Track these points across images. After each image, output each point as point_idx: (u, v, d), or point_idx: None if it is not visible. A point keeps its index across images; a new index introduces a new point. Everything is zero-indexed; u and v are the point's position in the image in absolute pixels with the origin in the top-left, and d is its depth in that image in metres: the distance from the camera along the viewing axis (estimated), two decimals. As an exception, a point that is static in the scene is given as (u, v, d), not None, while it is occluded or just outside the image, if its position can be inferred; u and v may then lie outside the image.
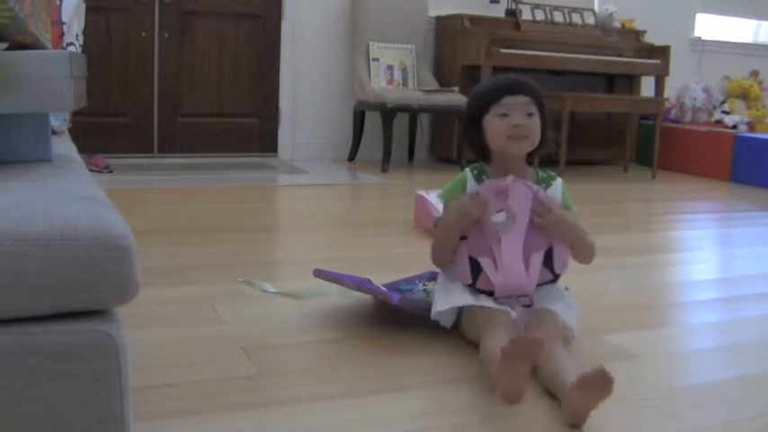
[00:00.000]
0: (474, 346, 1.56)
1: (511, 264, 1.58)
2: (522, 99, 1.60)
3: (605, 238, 2.88)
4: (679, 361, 1.66)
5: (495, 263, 1.60)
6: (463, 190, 1.66)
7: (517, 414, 1.30)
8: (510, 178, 1.60)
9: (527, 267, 1.59)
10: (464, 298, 1.61)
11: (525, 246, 1.59)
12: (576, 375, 1.23)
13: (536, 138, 1.62)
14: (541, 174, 1.68)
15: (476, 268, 1.62)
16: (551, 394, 1.36)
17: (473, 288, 1.63)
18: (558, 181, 1.68)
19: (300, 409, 1.30)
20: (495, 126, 1.61)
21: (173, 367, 1.45)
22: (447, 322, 1.65)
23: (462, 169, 4.76)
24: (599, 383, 1.21)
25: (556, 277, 1.64)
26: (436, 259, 1.71)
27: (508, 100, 1.60)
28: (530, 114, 1.60)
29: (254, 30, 4.79)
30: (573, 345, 1.59)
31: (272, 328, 1.71)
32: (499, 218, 1.59)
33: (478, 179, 1.65)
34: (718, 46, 6.12)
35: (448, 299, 1.63)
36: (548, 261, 1.62)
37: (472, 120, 1.65)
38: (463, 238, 1.62)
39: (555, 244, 1.61)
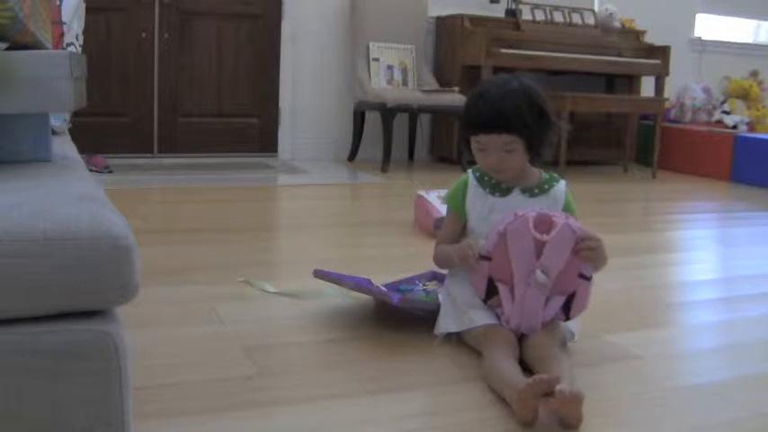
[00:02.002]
0: (473, 349, 1.57)
1: (530, 311, 1.50)
2: (497, 139, 1.55)
3: (605, 238, 2.88)
4: (679, 361, 1.66)
5: (512, 292, 1.52)
6: (465, 193, 1.65)
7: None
8: (555, 229, 1.48)
9: (544, 306, 1.51)
10: (470, 317, 1.58)
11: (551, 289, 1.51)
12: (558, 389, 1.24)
13: (515, 168, 1.60)
14: (545, 176, 1.67)
15: (491, 287, 1.56)
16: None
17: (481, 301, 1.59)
18: (562, 183, 1.67)
19: (300, 409, 1.30)
20: (475, 154, 1.62)
21: (173, 367, 1.45)
22: (447, 339, 1.64)
23: (464, 170, 4.76)
24: (571, 401, 1.23)
25: (567, 319, 1.56)
26: (439, 267, 1.75)
27: (483, 138, 1.57)
28: (508, 151, 1.56)
29: (254, 30, 4.79)
30: (571, 344, 1.61)
31: (272, 328, 1.71)
32: (541, 278, 1.48)
33: (481, 180, 1.65)
34: (718, 46, 6.12)
35: (455, 319, 1.62)
36: (565, 303, 1.53)
37: (462, 130, 1.65)
38: (487, 258, 1.54)
39: (579, 290, 1.52)
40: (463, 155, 4.64)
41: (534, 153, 1.60)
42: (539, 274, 1.48)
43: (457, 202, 1.67)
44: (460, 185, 1.67)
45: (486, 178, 1.64)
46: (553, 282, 1.49)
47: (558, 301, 1.52)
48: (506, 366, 1.38)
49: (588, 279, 1.52)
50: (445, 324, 1.64)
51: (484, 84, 1.66)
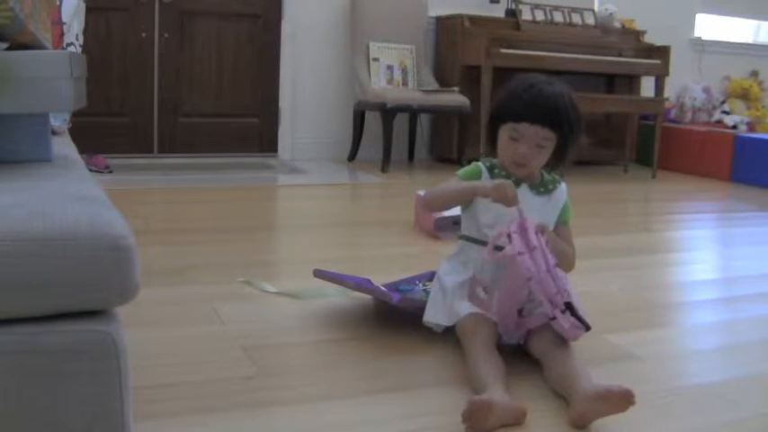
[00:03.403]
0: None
1: (502, 312, 1.52)
2: (538, 131, 1.56)
3: (605, 238, 2.88)
4: (679, 361, 1.66)
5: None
6: (478, 178, 1.64)
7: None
8: (504, 257, 1.46)
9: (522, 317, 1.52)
10: (456, 310, 1.58)
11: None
12: (601, 386, 1.27)
13: (537, 166, 1.62)
14: (547, 176, 1.67)
15: None
16: (558, 394, 1.38)
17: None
18: (563, 186, 1.68)
19: (300, 409, 1.30)
20: (502, 143, 1.61)
21: (173, 367, 1.45)
22: (437, 328, 1.65)
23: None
24: (620, 401, 1.25)
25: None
26: (431, 206, 1.72)
27: (524, 127, 1.56)
28: (540, 146, 1.57)
29: (254, 30, 4.79)
30: (572, 344, 1.60)
31: (272, 328, 1.71)
32: (480, 294, 1.51)
33: (491, 171, 1.64)
34: (718, 46, 6.12)
35: (444, 311, 1.62)
36: None
37: (493, 117, 1.64)
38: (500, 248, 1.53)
39: (552, 323, 1.49)
40: (464, 155, 4.64)
41: (558, 157, 1.61)
42: (479, 291, 1.51)
43: (471, 179, 1.65)
44: (475, 170, 1.66)
45: (496, 170, 1.65)
46: (500, 305, 1.49)
47: (541, 317, 1.50)
48: (482, 371, 1.38)
49: (551, 319, 1.47)
50: (433, 314, 1.65)
51: (528, 77, 1.63)
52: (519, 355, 1.54)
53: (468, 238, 1.66)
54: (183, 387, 1.36)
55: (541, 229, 1.49)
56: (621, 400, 1.24)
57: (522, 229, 1.46)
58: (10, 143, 1.24)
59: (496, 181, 1.56)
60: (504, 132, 1.60)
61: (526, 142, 1.57)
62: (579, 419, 1.27)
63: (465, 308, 1.56)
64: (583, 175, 4.78)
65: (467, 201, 1.64)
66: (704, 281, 2.44)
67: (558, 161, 1.63)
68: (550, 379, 1.42)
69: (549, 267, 1.44)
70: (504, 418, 1.24)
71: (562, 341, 1.48)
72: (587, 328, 1.46)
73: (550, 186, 1.66)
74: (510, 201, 1.50)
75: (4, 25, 1.09)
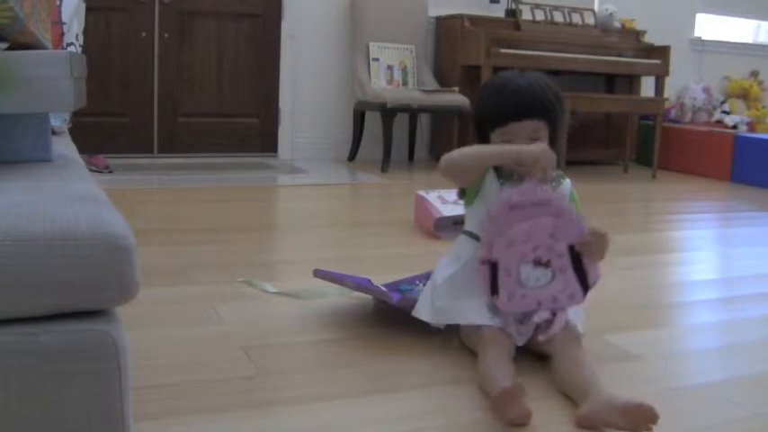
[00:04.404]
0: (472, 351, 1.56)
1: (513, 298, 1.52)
2: (528, 125, 1.55)
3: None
4: (679, 361, 1.66)
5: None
6: (485, 173, 1.62)
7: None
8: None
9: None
10: (465, 313, 1.56)
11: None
12: (632, 402, 1.22)
13: None
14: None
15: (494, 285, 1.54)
16: (561, 392, 1.38)
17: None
18: (567, 182, 1.67)
19: (300, 409, 1.30)
20: None
21: (173, 367, 1.45)
22: (440, 325, 1.63)
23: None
24: (643, 421, 1.20)
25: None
26: (450, 171, 1.64)
27: (513, 127, 1.55)
28: (535, 138, 1.56)
29: (254, 30, 4.79)
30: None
31: (272, 328, 1.71)
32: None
33: (497, 170, 1.61)
34: (718, 46, 6.12)
35: (429, 305, 1.61)
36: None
37: (479, 129, 1.62)
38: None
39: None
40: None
41: (552, 142, 1.59)
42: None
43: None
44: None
45: (499, 170, 1.61)
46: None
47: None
48: (497, 374, 1.37)
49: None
50: (419, 308, 1.63)
51: (496, 79, 1.63)
52: (520, 354, 1.54)
53: (470, 234, 1.64)
54: (183, 387, 1.36)
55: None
56: (645, 419, 1.20)
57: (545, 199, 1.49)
58: (10, 143, 1.24)
59: (541, 146, 1.51)
60: (497, 140, 1.58)
61: (521, 140, 1.55)
62: (587, 421, 1.25)
63: (474, 316, 1.54)
64: (582, 174, 4.78)
65: (494, 165, 1.58)
66: (704, 281, 2.44)
67: (552, 144, 1.59)
68: (559, 375, 1.41)
69: (552, 234, 1.47)
70: (518, 412, 1.23)
71: (573, 340, 1.48)
72: (583, 287, 1.51)
73: (554, 184, 1.63)
74: (548, 176, 1.51)
75: (4, 25, 1.09)
